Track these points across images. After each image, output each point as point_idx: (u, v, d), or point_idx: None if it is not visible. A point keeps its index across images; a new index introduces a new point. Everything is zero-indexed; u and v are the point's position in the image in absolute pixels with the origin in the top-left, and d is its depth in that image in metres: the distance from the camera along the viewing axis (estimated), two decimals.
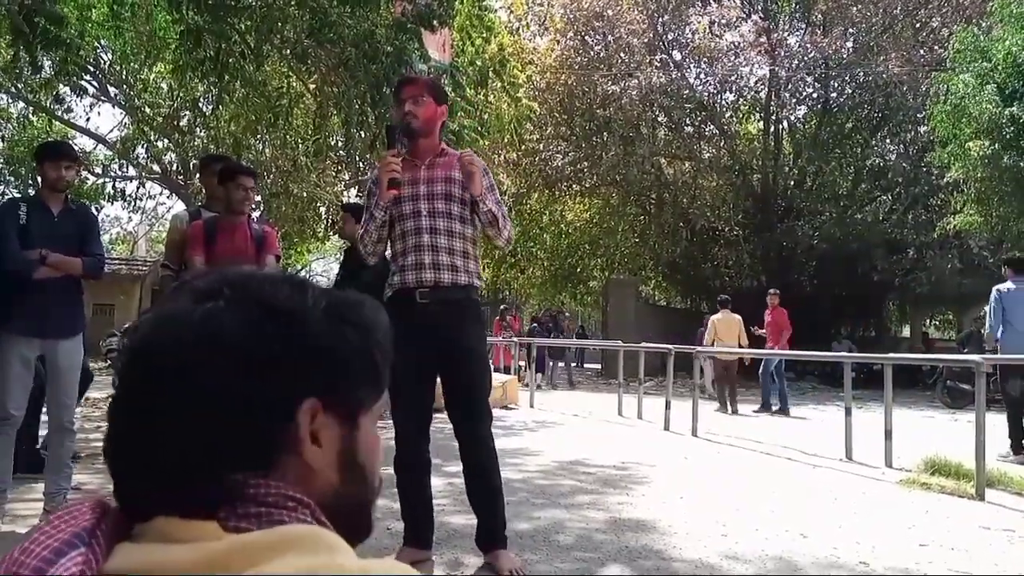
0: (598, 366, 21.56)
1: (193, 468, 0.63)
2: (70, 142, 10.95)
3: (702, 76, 21.76)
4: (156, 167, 16.93)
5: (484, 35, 9.98)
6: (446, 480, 4.75)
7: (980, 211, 14.04)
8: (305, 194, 15.50)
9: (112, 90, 16.10)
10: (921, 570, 3.48)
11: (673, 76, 20.49)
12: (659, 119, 21.81)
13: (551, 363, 16.68)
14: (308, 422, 0.66)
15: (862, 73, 19.58)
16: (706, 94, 21.69)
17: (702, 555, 3.60)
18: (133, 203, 17.57)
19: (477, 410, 3.27)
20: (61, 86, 12.89)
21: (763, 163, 21.43)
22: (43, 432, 5.44)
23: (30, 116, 16.45)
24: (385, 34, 7.26)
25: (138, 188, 17.71)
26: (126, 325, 5.38)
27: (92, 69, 14.90)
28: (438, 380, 3.35)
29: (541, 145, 21.41)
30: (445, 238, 3.25)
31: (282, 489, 0.65)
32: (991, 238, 15.95)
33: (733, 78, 20.94)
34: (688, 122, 22.28)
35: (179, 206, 17.19)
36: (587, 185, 22.09)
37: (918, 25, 20.42)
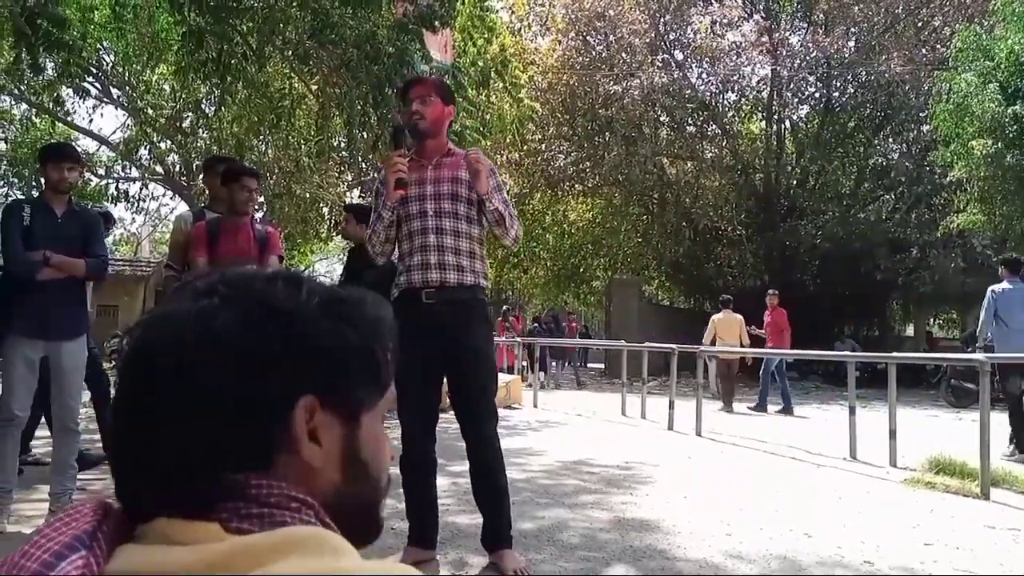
0: (601, 366, 21.55)
1: (191, 467, 0.62)
2: (73, 144, 10.97)
3: (704, 76, 21.75)
4: (159, 168, 16.91)
5: (486, 36, 9.98)
6: (450, 480, 4.75)
7: (983, 210, 14.01)
8: (308, 195, 15.48)
9: (115, 92, 16.10)
10: (926, 569, 3.47)
11: (675, 76, 20.47)
12: (661, 119, 21.80)
13: (553, 363, 16.68)
14: (305, 419, 0.66)
15: (864, 72, 19.54)
16: (708, 94, 21.66)
17: (706, 554, 3.59)
18: (136, 204, 17.55)
19: (483, 410, 3.27)
20: (62, 88, 12.92)
21: (765, 163, 21.42)
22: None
23: (33, 118, 16.46)
24: (387, 35, 7.26)
25: (141, 189, 17.70)
26: (129, 326, 5.39)
27: (95, 71, 14.91)
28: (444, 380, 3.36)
29: (543, 145, 21.42)
30: (451, 238, 3.24)
31: (285, 490, 0.64)
32: (994, 237, 15.90)
33: (735, 78, 20.91)
34: (690, 122, 22.26)
35: (182, 207, 17.22)
36: (589, 185, 22.10)
37: (920, 24, 20.40)
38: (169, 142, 15.80)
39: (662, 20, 21.04)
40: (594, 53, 20.94)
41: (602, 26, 20.63)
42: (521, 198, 21.91)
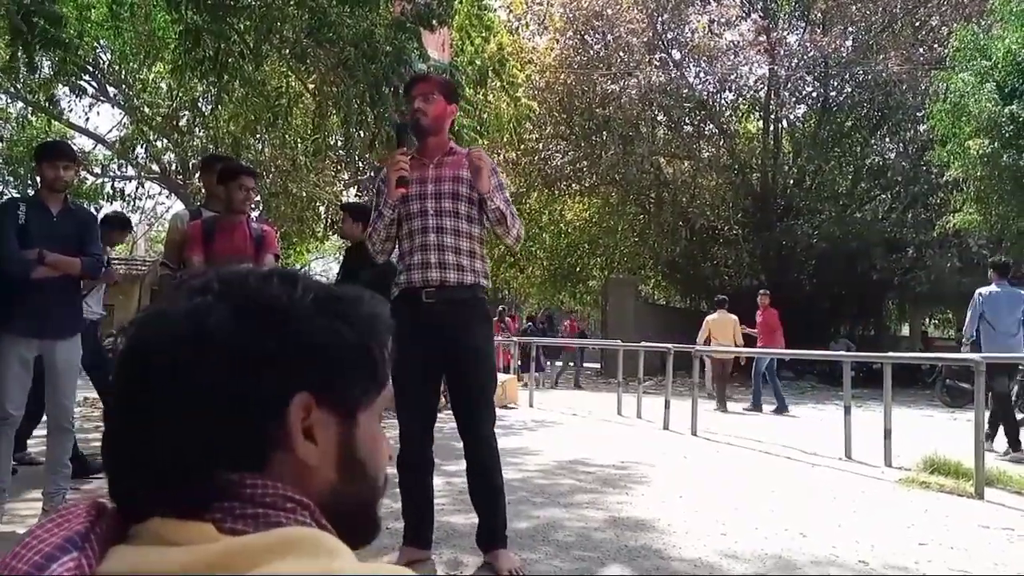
0: (597, 365, 21.55)
1: (185, 465, 0.62)
2: (69, 142, 10.94)
3: (701, 75, 21.78)
4: (155, 167, 16.87)
5: (483, 34, 9.98)
6: (445, 479, 4.74)
7: (979, 210, 14.04)
8: (304, 194, 15.47)
9: (111, 90, 16.06)
10: (920, 569, 3.48)
11: (672, 75, 20.49)
12: (658, 118, 21.81)
13: (547, 362, 16.73)
14: (300, 417, 0.66)
15: (861, 72, 19.58)
16: (705, 93, 21.69)
17: (701, 554, 3.60)
18: (132, 203, 17.51)
19: (481, 409, 3.27)
20: (59, 87, 12.88)
21: (762, 162, 21.44)
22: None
23: (29, 116, 16.42)
24: (384, 34, 7.25)
25: (137, 188, 17.66)
26: (124, 325, 5.39)
27: (91, 69, 14.86)
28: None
29: (540, 144, 21.40)
30: (452, 237, 3.23)
31: (280, 490, 0.64)
32: (990, 237, 15.94)
33: (732, 77, 20.93)
34: (687, 121, 22.28)
35: (178, 206, 17.17)
36: (586, 184, 22.09)
37: (917, 24, 20.43)
38: (165, 140, 15.76)
39: (660, 19, 21.05)
40: (592, 52, 20.94)
41: (600, 25, 20.63)
42: (518, 197, 21.89)
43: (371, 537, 0.75)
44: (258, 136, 14.33)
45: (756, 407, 11.25)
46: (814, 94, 21.94)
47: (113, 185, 17.03)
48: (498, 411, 3.51)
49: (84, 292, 5.27)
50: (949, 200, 16.69)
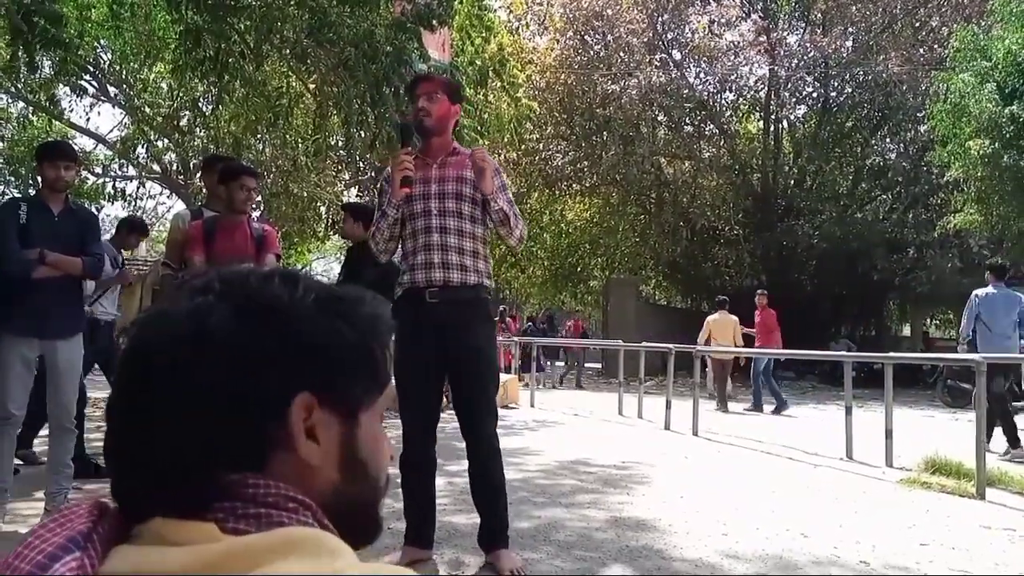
0: (598, 365, 21.56)
1: (186, 464, 0.62)
2: (70, 142, 10.94)
3: (702, 75, 21.78)
4: (156, 167, 16.89)
5: (483, 35, 9.97)
6: (447, 479, 4.74)
7: (980, 210, 14.04)
8: (305, 194, 15.49)
9: (112, 90, 16.07)
10: (922, 569, 3.48)
11: (673, 75, 20.48)
12: (659, 118, 21.80)
13: (547, 363, 16.79)
14: (302, 417, 0.66)
15: (862, 72, 19.57)
16: (706, 93, 21.69)
17: (703, 554, 3.60)
18: (133, 203, 17.53)
19: (483, 409, 3.28)
20: (59, 87, 12.89)
21: (763, 162, 21.44)
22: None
23: (30, 116, 16.43)
24: (384, 34, 7.25)
25: (138, 188, 17.69)
26: (126, 325, 5.40)
27: (92, 69, 14.87)
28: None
29: (541, 145, 21.39)
30: (455, 237, 3.23)
31: (282, 490, 0.64)
32: (991, 237, 15.95)
33: (733, 77, 20.94)
34: (688, 121, 22.27)
35: (179, 206, 17.19)
36: (587, 184, 22.08)
37: (918, 24, 20.42)
38: (166, 140, 15.78)
39: (660, 19, 21.05)
40: (592, 52, 20.94)
41: (600, 25, 20.63)
42: (519, 198, 21.82)
43: (373, 537, 0.75)
44: (259, 136, 14.35)
45: (757, 407, 11.27)
46: (814, 94, 21.94)
47: (114, 185, 17.05)
48: (499, 411, 3.50)
49: (99, 293, 5.31)
50: (950, 200, 16.71)
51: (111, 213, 19.40)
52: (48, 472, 4.05)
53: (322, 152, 13.56)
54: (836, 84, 21.10)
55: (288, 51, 8.42)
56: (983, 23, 14.36)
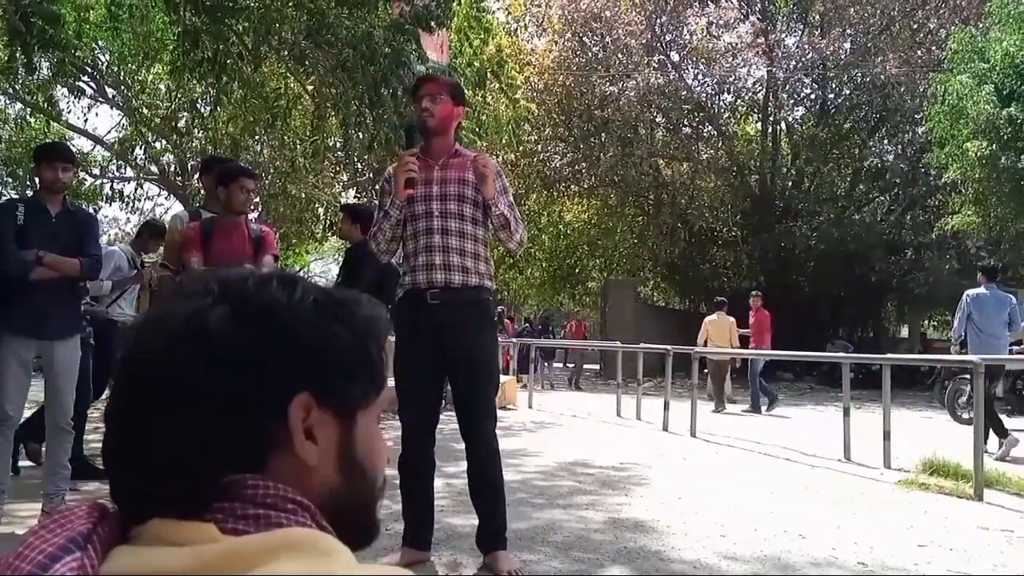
0: (597, 366, 21.56)
1: (185, 465, 0.63)
2: (67, 143, 10.94)
3: (700, 77, 21.81)
4: (154, 168, 16.86)
5: (482, 36, 9.98)
6: (445, 481, 4.74)
7: (978, 211, 14.06)
8: (303, 195, 15.46)
9: (110, 91, 16.05)
10: (920, 570, 3.48)
11: (671, 77, 20.50)
12: (657, 120, 21.81)
13: (545, 364, 16.86)
14: (301, 417, 0.66)
15: (860, 74, 19.60)
16: (704, 95, 21.71)
17: (701, 555, 3.60)
18: (131, 204, 17.50)
19: (483, 411, 3.28)
20: (57, 88, 12.87)
21: (761, 164, 21.46)
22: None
23: (28, 117, 16.42)
24: (383, 35, 7.24)
25: (136, 189, 17.65)
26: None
27: (90, 70, 14.85)
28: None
29: (539, 146, 21.40)
30: (456, 239, 3.24)
31: (281, 491, 0.64)
32: (989, 238, 15.97)
33: (731, 79, 20.96)
34: (686, 123, 22.29)
35: (177, 207, 17.15)
36: (585, 186, 22.09)
37: (916, 26, 20.45)
38: (164, 142, 15.75)
39: (658, 21, 21.06)
40: (590, 54, 20.95)
41: (598, 27, 20.64)
42: (517, 199, 21.72)
43: (370, 539, 0.75)
44: (257, 137, 14.33)
45: (755, 408, 11.28)
46: (812, 96, 21.97)
47: (112, 186, 17.02)
48: (498, 412, 3.51)
49: (117, 294, 5.32)
50: (947, 202, 16.72)
51: (108, 214, 19.40)
52: (45, 473, 4.04)
53: (320, 153, 13.55)
54: (834, 86, 21.13)
55: (286, 52, 8.42)
56: (981, 25, 14.39)
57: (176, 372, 0.63)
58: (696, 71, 21.72)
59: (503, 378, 11.29)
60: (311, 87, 10.15)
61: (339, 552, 0.60)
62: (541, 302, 28.22)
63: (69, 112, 16.76)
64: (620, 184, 20.84)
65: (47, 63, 9.57)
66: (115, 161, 16.98)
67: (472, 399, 3.28)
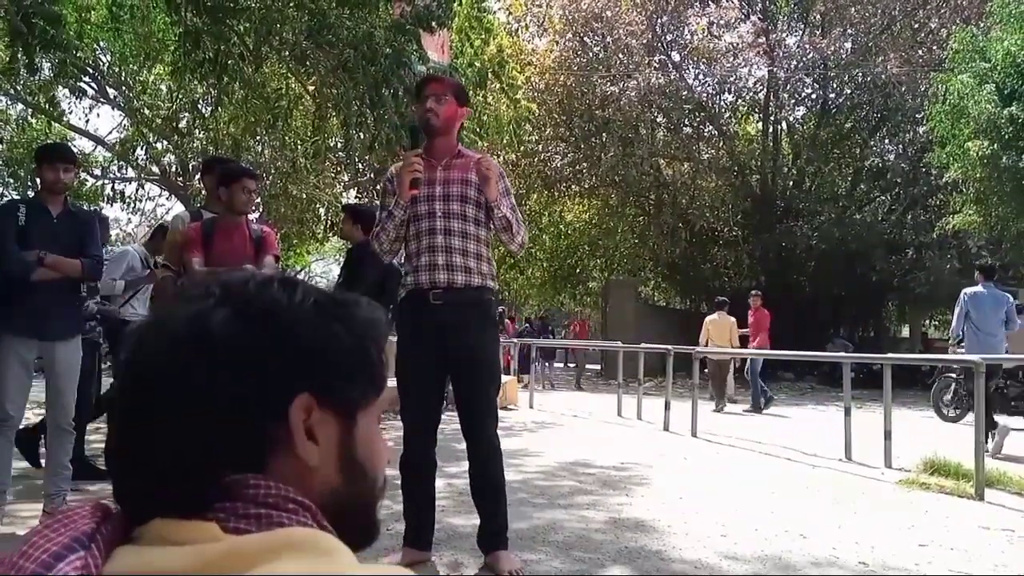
0: (598, 366, 21.56)
1: (187, 465, 0.63)
2: (69, 144, 10.94)
3: (701, 77, 21.80)
4: (155, 168, 16.87)
5: (483, 36, 9.97)
6: (446, 481, 4.74)
7: (979, 211, 14.06)
8: (304, 195, 15.46)
9: (111, 92, 16.07)
10: (921, 570, 3.48)
11: (672, 77, 20.49)
12: (658, 120, 21.81)
13: (546, 364, 16.89)
14: (301, 417, 0.67)
15: (861, 74, 19.58)
16: (705, 95, 21.70)
17: (701, 555, 3.60)
18: (132, 205, 17.52)
19: (484, 411, 3.28)
20: (59, 88, 12.89)
21: (762, 164, 21.45)
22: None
23: (29, 118, 16.43)
24: (384, 36, 7.25)
25: (137, 190, 17.65)
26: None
27: (91, 71, 14.87)
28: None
29: (540, 146, 21.40)
30: (459, 239, 3.24)
31: (282, 491, 0.65)
32: (990, 238, 15.96)
33: (732, 79, 20.93)
34: (687, 123, 22.28)
35: (178, 208, 17.17)
36: (586, 186, 22.09)
37: (917, 26, 20.43)
38: (165, 142, 15.77)
39: (659, 21, 21.05)
40: (591, 54, 20.95)
41: (599, 27, 20.63)
42: (518, 199, 21.63)
43: (371, 539, 0.75)
44: (258, 138, 14.34)
45: (755, 408, 11.29)
46: (813, 96, 21.95)
47: (113, 187, 17.04)
48: (499, 412, 3.51)
49: (130, 294, 5.33)
50: (948, 201, 16.71)
51: (110, 215, 19.37)
52: (46, 474, 4.05)
53: (321, 154, 13.55)
54: (835, 85, 21.11)
55: (287, 53, 8.42)
56: (982, 24, 14.38)
57: (178, 374, 0.64)
58: (697, 71, 21.72)
59: (504, 378, 11.32)
60: (312, 87, 10.15)
61: (340, 552, 0.60)
62: (542, 302, 28.21)
63: (70, 113, 16.79)
64: (621, 184, 20.83)
65: (48, 64, 9.59)
66: (116, 162, 17.00)
67: (474, 399, 3.28)
